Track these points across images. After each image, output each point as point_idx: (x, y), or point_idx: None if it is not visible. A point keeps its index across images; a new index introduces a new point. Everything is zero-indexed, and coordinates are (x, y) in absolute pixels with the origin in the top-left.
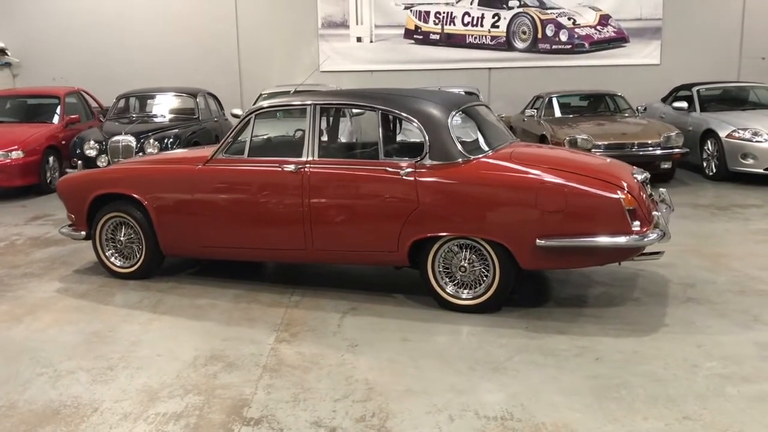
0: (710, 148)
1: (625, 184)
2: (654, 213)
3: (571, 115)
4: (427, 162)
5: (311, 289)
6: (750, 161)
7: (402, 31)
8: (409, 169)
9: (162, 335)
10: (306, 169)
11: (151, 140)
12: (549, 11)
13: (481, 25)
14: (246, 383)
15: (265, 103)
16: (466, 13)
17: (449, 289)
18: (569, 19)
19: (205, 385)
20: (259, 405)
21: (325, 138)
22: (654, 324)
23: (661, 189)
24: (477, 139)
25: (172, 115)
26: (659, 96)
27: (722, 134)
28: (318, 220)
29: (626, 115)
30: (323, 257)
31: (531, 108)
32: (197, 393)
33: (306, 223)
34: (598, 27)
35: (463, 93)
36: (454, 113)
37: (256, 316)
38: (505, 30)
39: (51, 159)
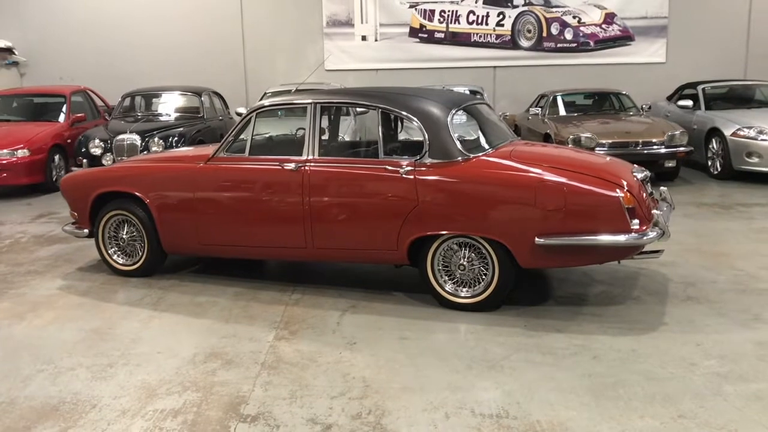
0: (715, 146)
1: (624, 183)
2: (653, 211)
3: (575, 114)
4: (427, 160)
5: (312, 287)
6: (755, 160)
7: (407, 30)
8: (409, 168)
9: (162, 332)
10: (306, 168)
11: (156, 139)
12: (554, 10)
13: (486, 24)
14: (244, 380)
15: (266, 102)
16: (471, 12)
17: (448, 287)
18: (574, 17)
19: (204, 382)
20: (257, 402)
21: (325, 137)
22: (653, 323)
23: (662, 187)
24: (477, 137)
25: (177, 114)
26: (665, 94)
27: (727, 133)
28: (318, 219)
29: (631, 113)
30: (323, 255)
31: (535, 107)
32: (195, 390)
33: (306, 222)
34: (604, 25)
35: (467, 92)
36: (454, 112)
37: (256, 313)
38: (510, 28)
39: (57, 157)
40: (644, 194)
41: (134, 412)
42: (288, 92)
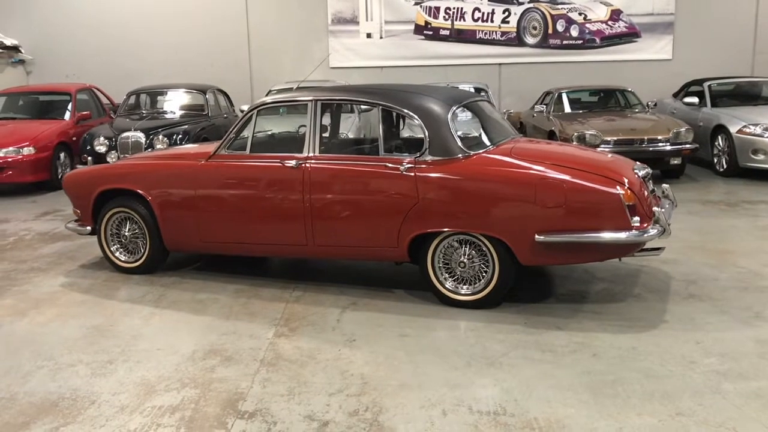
0: (721, 143)
1: (625, 180)
2: (654, 209)
3: (580, 111)
4: (427, 157)
5: (313, 284)
6: (761, 157)
7: (412, 27)
8: (409, 165)
9: (163, 329)
10: (307, 165)
11: (160, 136)
12: (560, 6)
13: (492, 21)
14: (243, 377)
15: (267, 99)
16: (476, 9)
17: (449, 284)
18: (580, 14)
19: (202, 379)
20: (254, 398)
21: (326, 134)
22: (653, 320)
23: (664, 185)
24: (478, 134)
25: (182, 112)
26: (671, 91)
27: (733, 130)
28: (319, 216)
29: (636, 110)
30: (324, 252)
31: (540, 104)
32: (194, 386)
33: (307, 219)
34: (610, 22)
35: (472, 89)
36: (454, 109)
37: (257, 310)
38: (515, 25)
39: (62, 155)
40: (645, 191)
41: (132, 408)
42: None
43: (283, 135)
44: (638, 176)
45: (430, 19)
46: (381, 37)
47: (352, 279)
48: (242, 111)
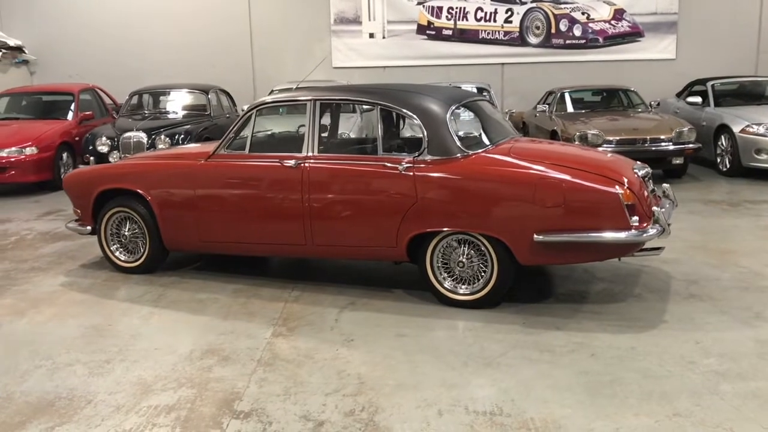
0: (724, 143)
1: (625, 180)
2: (654, 208)
3: (583, 111)
4: (426, 157)
5: (312, 283)
6: (764, 157)
7: (414, 27)
8: (408, 165)
9: (161, 329)
10: (306, 165)
11: (162, 136)
12: (563, 6)
13: (494, 21)
14: (239, 377)
15: (268, 98)
16: (479, 9)
17: (447, 284)
18: (583, 13)
19: (199, 379)
20: (250, 398)
21: (325, 133)
22: (653, 320)
23: (664, 184)
24: (477, 134)
25: (185, 112)
26: (675, 91)
27: (736, 129)
28: (317, 216)
29: (639, 110)
30: (323, 252)
31: (543, 103)
32: (190, 386)
33: (306, 219)
34: (613, 21)
35: (474, 89)
36: (453, 108)
37: (255, 310)
38: (518, 25)
39: (65, 155)
40: (645, 191)
41: (128, 408)
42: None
43: (283, 135)
44: (638, 176)
45: (433, 19)
46: (384, 37)
47: (351, 279)
48: (244, 111)
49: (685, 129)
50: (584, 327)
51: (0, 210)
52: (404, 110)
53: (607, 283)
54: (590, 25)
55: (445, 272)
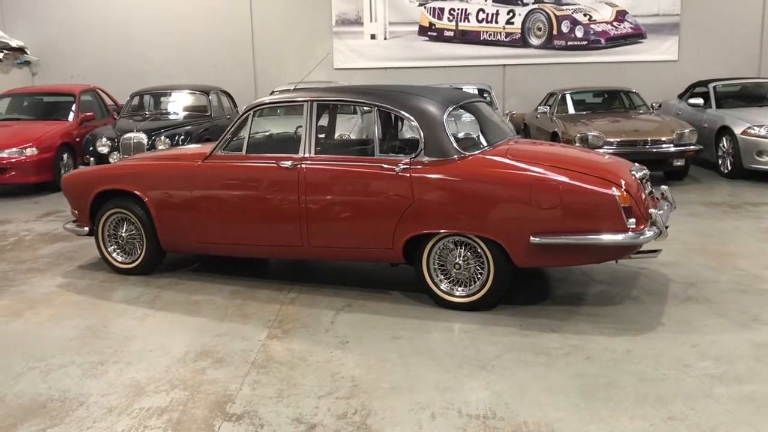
0: (725, 145)
1: (622, 182)
2: (651, 210)
3: (584, 112)
4: (423, 158)
5: (309, 285)
6: (765, 159)
7: (416, 28)
8: (405, 166)
9: (156, 330)
10: (302, 166)
11: (162, 137)
12: (564, 7)
13: (496, 22)
14: (233, 379)
15: (265, 99)
16: (481, 10)
17: (444, 286)
18: (585, 15)
19: (192, 381)
20: (243, 401)
21: (322, 134)
22: (650, 323)
23: (662, 186)
24: (474, 135)
25: (185, 113)
26: (677, 93)
27: (737, 131)
28: (314, 217)
29: (640, 111)
30: (319, 254)
31: (544, 105)
32: (183, 388)
33: (302, 220)
34: (615, 23)
35: (475, 90)
36: (450, 110)
37: (251, 312)
38: (520, 26)
39: (65, 156)
40: (642, 193)
41: (120, 410)
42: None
43: (279, 136)
44: (635, 178)
45: (435, 20)
46: (385, 38)
47: (348, 280)
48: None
49: (686, 131)
50: (580, 330)
51: (0, 211)
52: (401, 111)
53: (605, 286)
54: (592, 26)
55: (442, 274)
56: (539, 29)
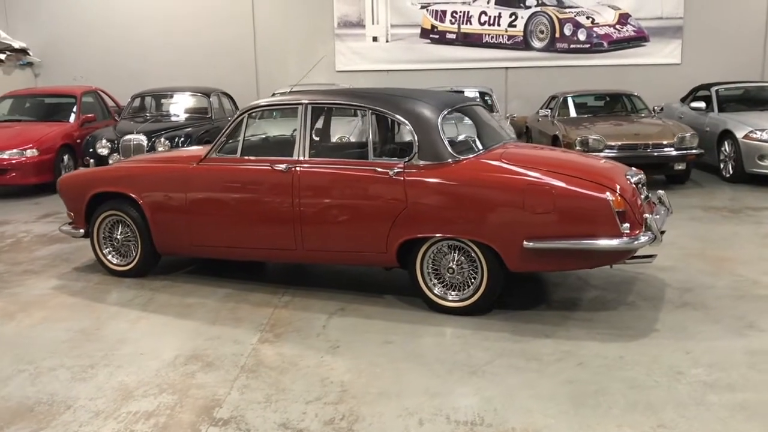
0: (727, 149)
1: (617, 186)
2: (645, 215)
3: (585, 115)
4: (417, 162)
5: (303, 288)
6: (767, 163)
7: (418, 31)
8: (398, 170)
9: (148, 333)
10: (296, 169)
11: (162, 139)
12: (567, 10)
13: (498, 25)
14: (222, 383)
15: (260, 102)
16: (483, 13)
17: (437, 290)
18: (588, 18)
19: (181, 385)
20: (231, 405)
21: (317, 137)
22: (644, 329)
23: (659, 191)
24: (469, 139)
25: (186, 115)
26: (680, 96)
27: (739, 135)
28: (308, 220)
29: (642, 115)
30: (313, 257)
31: (546, 108)
32: (172, 392)
33: (296, 223)
34: (618, 26)
35: (476, 93)
36: (445, 113)
37: (244, 315)
38: (522, 29)
39: (66, 157)
40: (637, 198)
41: (107, 414)
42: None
43: (274, 138)
44: (631, 182)
45: (437, 23)
46: (387, 41)
47: (343, 284)
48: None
49: (688, 134)
50: (573, 335)
51: None
52: (396, 115)
53: (600, 291)
54: (595, 29)
55: (436, 278)
56: (542, 32)
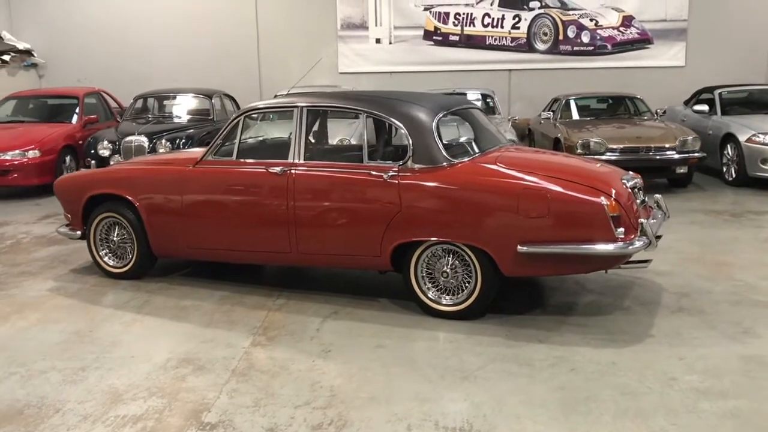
0: (730, 152)
1: (612, 190)
2: (641, 220)
3: (587, 118)
4: (411, 165)
5: (298, 291)
6: None
7: (421, 33)
8: (393, 173)
9: (141, 336)
10: (291, 172)
11: (163, 140)
12: (571, 12)
13: (502, 27)
14: (212, 387)
15: (260, 104)
16: (486, 14)
17: (431, 294)
18: (591, 20)
19: (171, 388)
20: (219, 410)
21: (312, 140)
22: (639, 334)
23: (656, 195)
24: (464, 142)
25: (188, 116)
26: (684, 99)
27: (742, 138)
28: (302, 223)
29: (645, 118)
30: (308, 260)
31: (548, 110)
32: (161, 396)
33: (291, 226)
34: (621, 28)
35: (478, 95)
36: (440, 116)
37: (238, 318)
38: (525, 31)
39: (68, 158)
40: (633, 202)
41: (96, 418)
42: (299, 94)
43: (270, 141)
44: (626, 186)
45: (440, 25)
46: (390, 43)
47: (338, 287)
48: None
49: (690, 138)
50: (567, 340)
51: (0, 212)
52: (390, 118)
53: (597, 295)
54: (598, 31)
55: (430, 282)
56: (545, 34)
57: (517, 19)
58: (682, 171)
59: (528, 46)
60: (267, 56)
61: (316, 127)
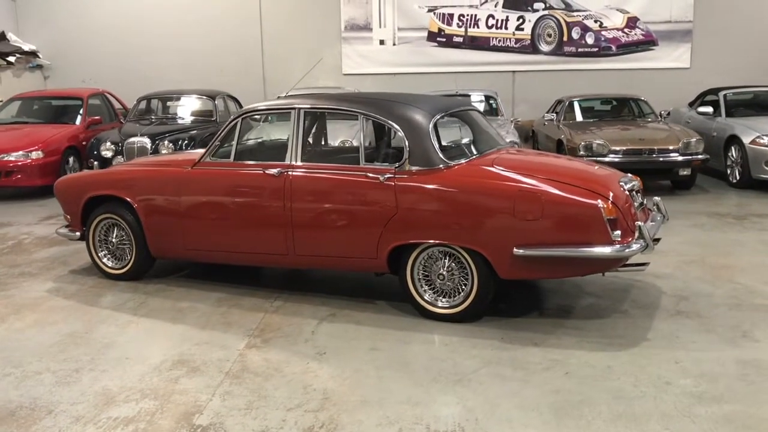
0: (734, 154)
1: (609, 193)
2: (638, 223)
3: (591, 120)
4: (407, 167)
5: (295, 293)
6: None
7: (425, 34)
8: (389, 175)
9: (137, 338)
10: (288, 174)
11: (166, 142)
12: (575, 14)
13: (506, 28)
14: (204, 389)
15: (258, 106)
16: (491, 16)
17: (427, 296)
18: (596, 21)
19: (164, 390)
20: (211, 412)
21: (310, 142)
22: (636, 338)
23: (655, 197)
24: (462, 144)
25: (191, 117)
26: (689, 100)
27: (746, 140)
28: (299, 225)
29: (649, 120)
30: (304, 262)
31: (552, 112)
32: (154, 398)
33: (288, 228)
34: (626, 30)
35: (481, 97)
36: (437, 118)
37: (234, 320)
38: (529, 33)
39: (71, 159)
40: (630, 205)
41: (88, 420)
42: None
43: (268, 143)
44: (624, 189)
45: (444, 26)
46: (394, 44)
47: (336, 289)
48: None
49: (693, 140)
50: (563, 344)
51: (3, 213)
52: (387, 120)
53: (595, 298)
54: (603, 33)
55: (426, 285)
56: (549, 35)
57: (521, 20)
58: (685, 173)
59: (532, 48)
60: (271, 57)
61: (314, 129)
